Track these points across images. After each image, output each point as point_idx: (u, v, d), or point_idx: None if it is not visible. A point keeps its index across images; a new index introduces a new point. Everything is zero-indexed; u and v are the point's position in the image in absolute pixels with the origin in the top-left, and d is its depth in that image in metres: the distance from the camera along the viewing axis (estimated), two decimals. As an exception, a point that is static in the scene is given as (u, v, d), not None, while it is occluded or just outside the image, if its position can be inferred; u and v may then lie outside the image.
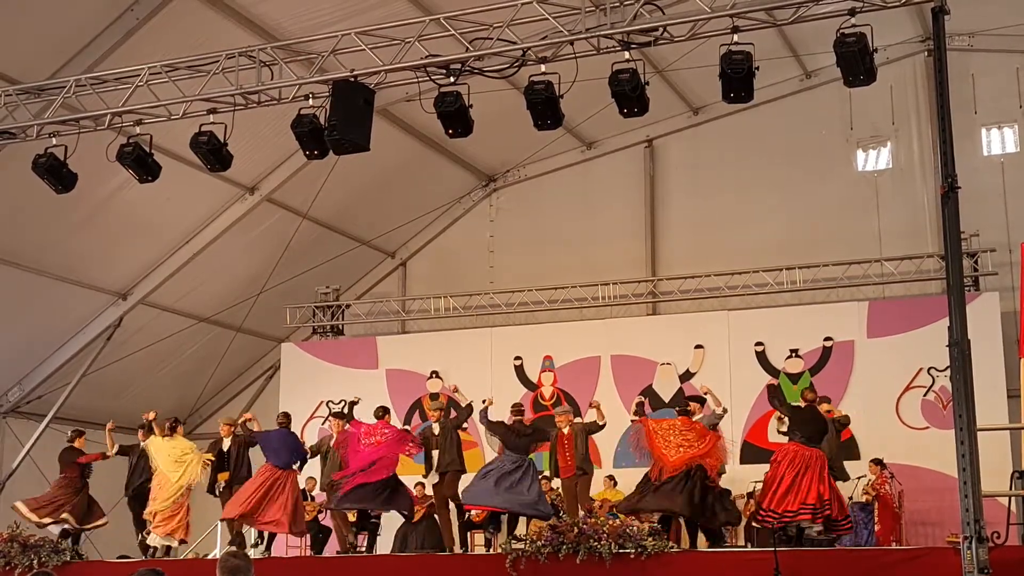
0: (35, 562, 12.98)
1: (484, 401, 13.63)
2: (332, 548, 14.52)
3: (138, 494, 13.98)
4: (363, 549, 13.64)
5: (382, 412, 13.48)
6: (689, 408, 12.83)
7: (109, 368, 18.10)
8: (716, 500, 12.11)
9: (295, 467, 13.55)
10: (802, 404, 12.40)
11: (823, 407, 12.67)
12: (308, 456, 13.89)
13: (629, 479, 13.76)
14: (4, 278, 16.06)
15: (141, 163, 12.27)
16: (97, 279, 17.35)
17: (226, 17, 13.98)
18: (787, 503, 11.48)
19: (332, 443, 13.79)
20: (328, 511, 14.26)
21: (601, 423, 13.36)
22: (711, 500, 12.01)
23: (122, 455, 14.27)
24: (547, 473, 13.86)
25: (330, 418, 14.66)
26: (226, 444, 13.91)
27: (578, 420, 14.15)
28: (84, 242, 16.47)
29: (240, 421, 14.13)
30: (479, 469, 13.25)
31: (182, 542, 13.95)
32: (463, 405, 13.96)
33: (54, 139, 12.35)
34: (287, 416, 14.12)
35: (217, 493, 13.95)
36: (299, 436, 14.54)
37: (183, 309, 18.78)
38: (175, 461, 13.63)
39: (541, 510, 12.51)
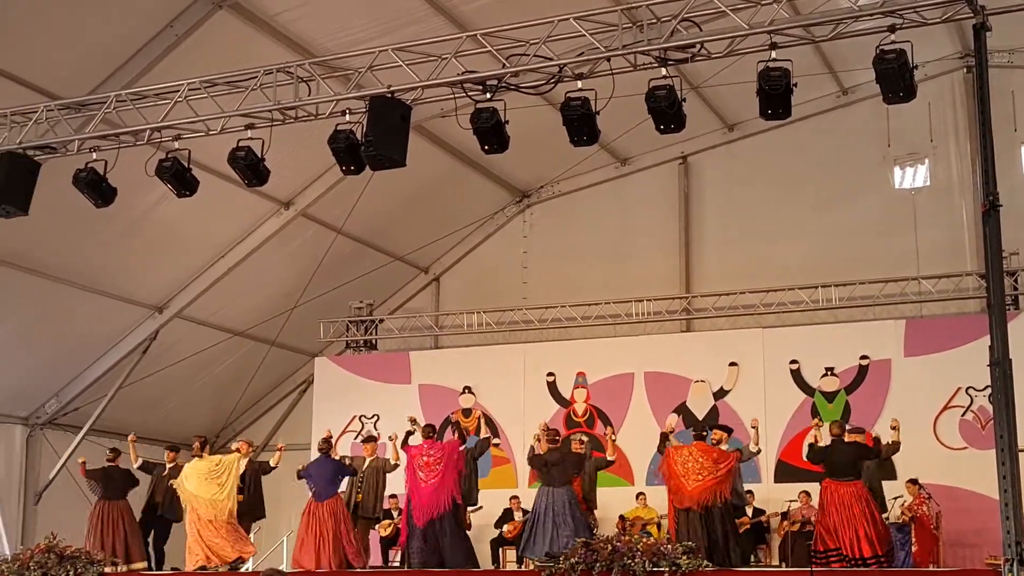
0: (71, 573, 13.03)
1: (535, 437, 13.28)
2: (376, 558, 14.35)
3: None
4: (396, 563, 13.60)
5: (430, 431, 13.24)
6: (704, 434, 12.74)
7: (144, 381, 18.20)
8: (734, 542, 12.11)
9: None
10: (829, 441, 12.26)
11: (855, 437, 12.58)
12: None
13: (660, 497, 13.70)
14: (43, 290, 16.18)
15: (179, 178, 12.36)
16: (134, 292, 17.45)
17: (264, 34, 14.08)
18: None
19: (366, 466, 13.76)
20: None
21: (611, 458, 13.36)
22: (731, 543, 12.04)
23: (145, 471, 14.27)
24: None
25: (366, 443, 14.52)
26: (241, 466, 13.61)
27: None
28: (122, 256, 16.57)
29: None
30: (525, 520, 12.90)
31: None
32: (481, 436, 13.81)
33: (94, 154, 12.44)
34: (327, 441, 13.88)
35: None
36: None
37: (218, 323, 18.87)
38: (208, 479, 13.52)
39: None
